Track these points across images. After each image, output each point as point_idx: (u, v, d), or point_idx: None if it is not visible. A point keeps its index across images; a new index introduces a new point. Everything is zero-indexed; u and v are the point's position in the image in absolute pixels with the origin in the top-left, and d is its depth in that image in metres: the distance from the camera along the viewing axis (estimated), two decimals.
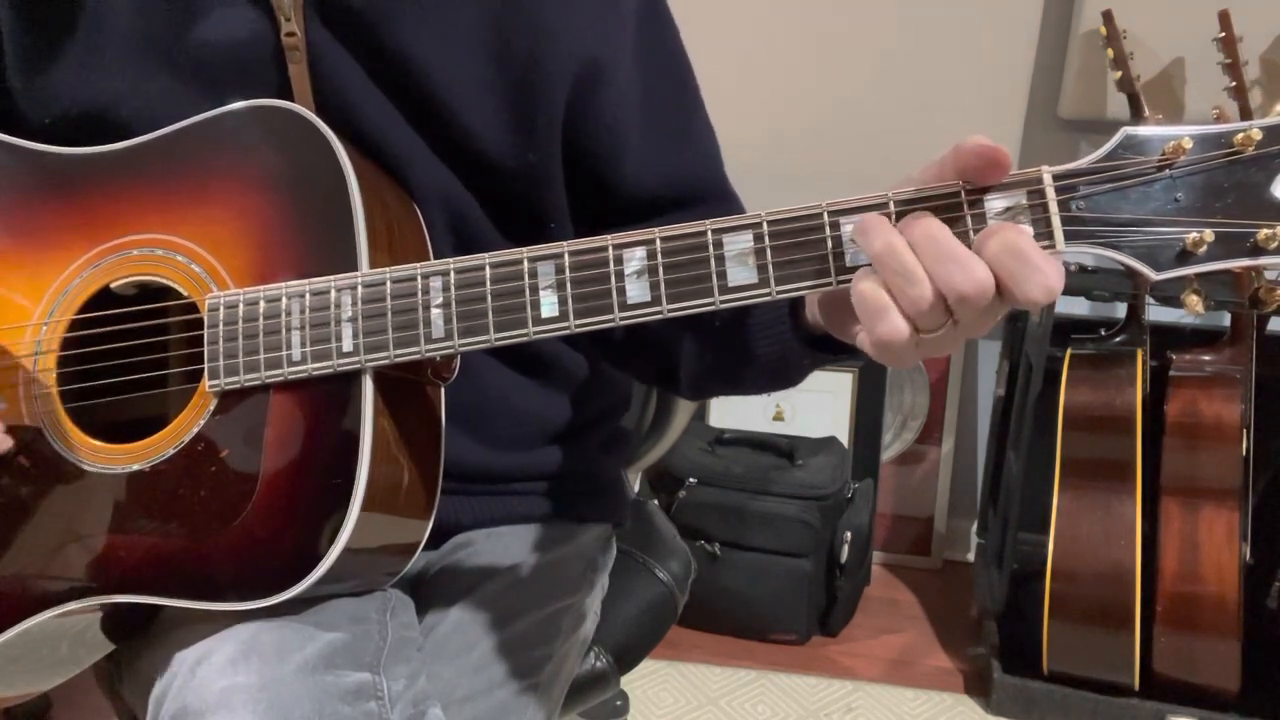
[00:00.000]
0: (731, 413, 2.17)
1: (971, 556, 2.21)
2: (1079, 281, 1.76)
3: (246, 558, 0.67)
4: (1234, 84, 1.52)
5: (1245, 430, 1.61)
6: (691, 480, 1.95)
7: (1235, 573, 1.58)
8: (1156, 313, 1.72)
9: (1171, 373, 1.65)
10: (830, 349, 0.70)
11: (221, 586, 0.67)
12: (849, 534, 1.95)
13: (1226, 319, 1.69)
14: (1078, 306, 1.91)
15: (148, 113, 0.76)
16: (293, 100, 0.74)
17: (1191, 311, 0.58)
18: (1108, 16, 1.63)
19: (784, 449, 2.01)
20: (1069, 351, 1.71)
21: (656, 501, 1.74)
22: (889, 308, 0.56)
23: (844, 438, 2.12)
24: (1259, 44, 1.68)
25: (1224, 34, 1.52)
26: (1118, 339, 1.71)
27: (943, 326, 0.57)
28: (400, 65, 0.77)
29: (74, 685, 0.81)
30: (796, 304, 0.71)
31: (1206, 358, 1.66)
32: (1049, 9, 1.86)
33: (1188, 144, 0.55)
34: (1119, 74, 1.62)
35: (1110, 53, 1.62)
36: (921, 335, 0.57)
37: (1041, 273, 0.53)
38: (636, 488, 1.51)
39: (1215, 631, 1.59)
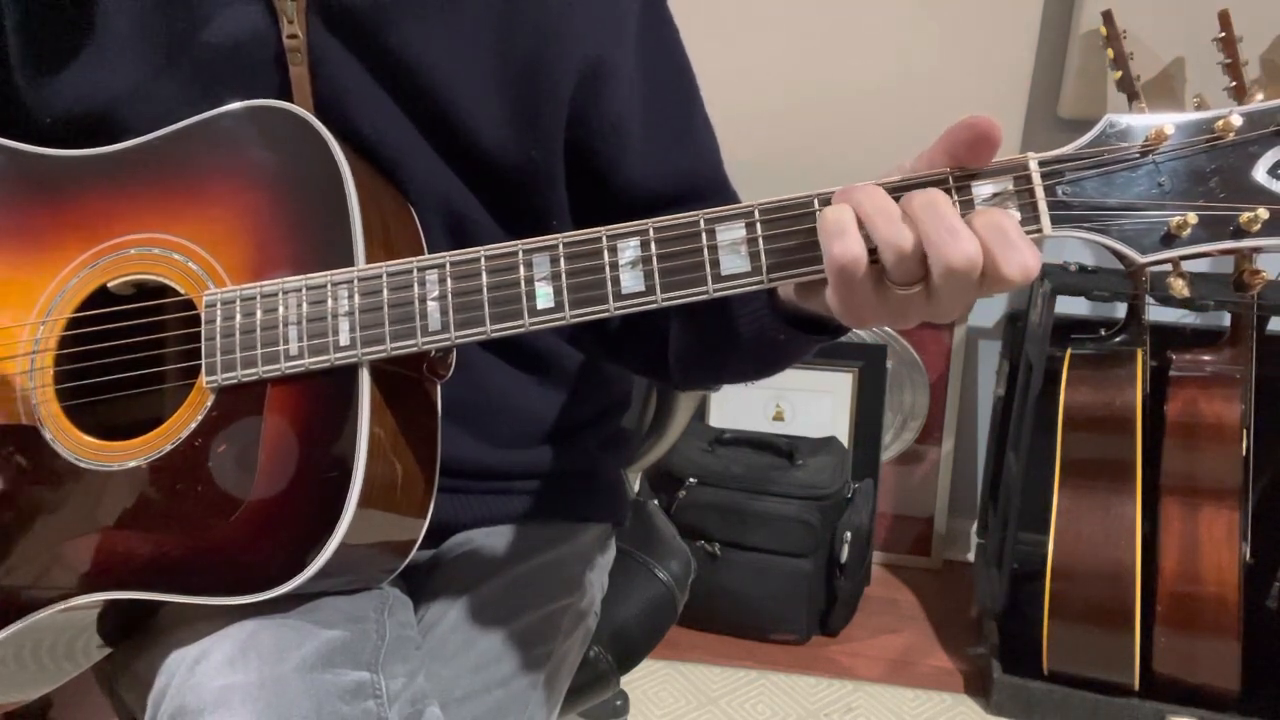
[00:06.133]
0: (731, 413, 2.17)
1: (971, 556, 2.21)
2: (1079, 281, 1.76)
3: (243, 552, 0.67)
4: (1234, 84, 1.51)
5: (1245, 430, 1.61)
6: (691, 480, 1.95)
7: (1235, 573, 1.58)
8: (1156, 313, 1.72)
9: (1171, 373, 1.65)
10: (806, 326, 0.70)
11: (218, 581, 0.67)
12: (849, 534, 1.95)
13: (1226, 319, 1.69)
14: (1078, 306, 1.91)
15: (149, 113, 0.76)
16: (292, 102, 0.74)
17: (1178, 295, 0.59)
18: (1108, 16, 1.62)
19: (784, 449, 2.01)
20: (1069, 351, 1.71)
21: (656, 501, 1.74)
22: (848, 230, 0.56)
23: (844, 438, 2.12)
24: (1259, 44, 1.67)
25: (1224, 34, 1.51)
26: (1118, 339, 1.71)
27: (915, 285, 0.57)
28: (403, 66, 0.77)
29: (74, 685, 0.81)
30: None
31: (1206, 358, 1.66)
32: (1049, 9, 1.86)
33: (1169, 130, 0.56)
34: (1119, 74, 1.62)
35: (1110, 53, 1.62)
36: (892, 285, 0.57)
37: (1020, 252, 0.54)
38: (636, 488, 1.51)
39: (1215, 631, 1.59)
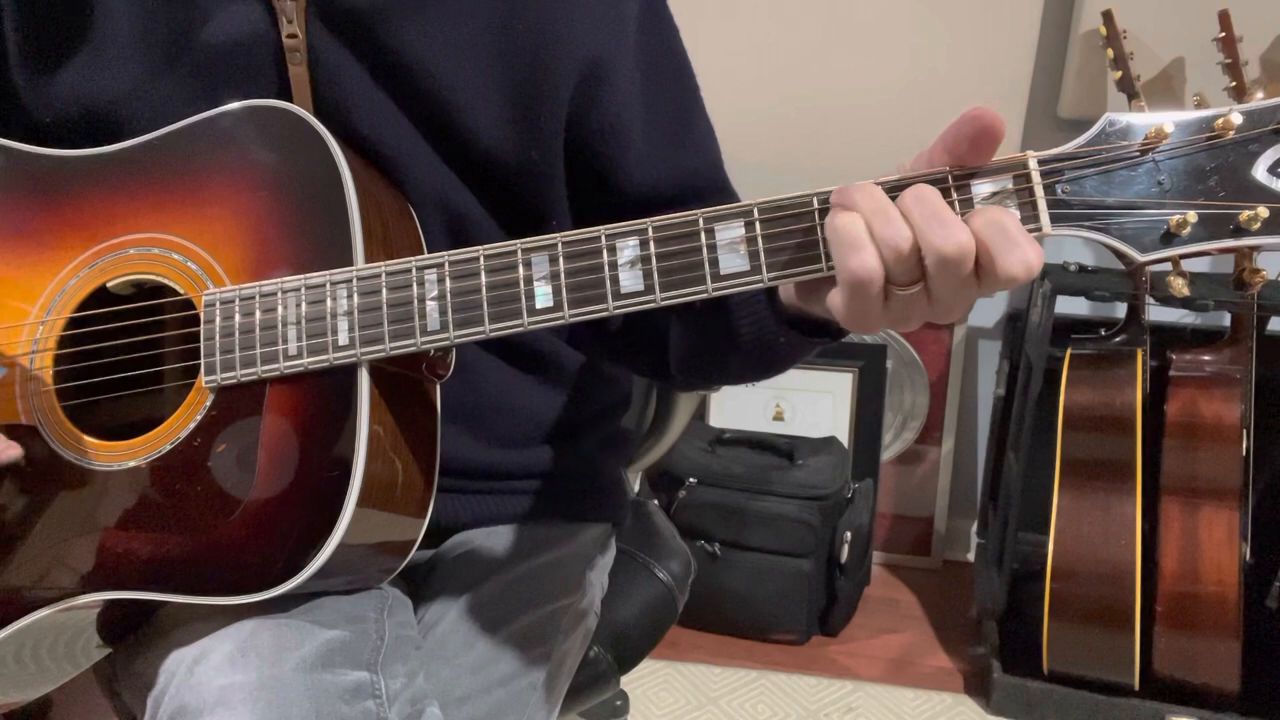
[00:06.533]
0: (731, 413, 2.17)
1: (971, 556, 2.21)
2: (1079, 281, 1.76)
3: (242, 552, 0.67)
4: (1234, 84, 1.51)
5: (1245, 430, 1.61)
6: (691, 480, 1.95)
7: (1235, 573, 1.58)
8: (1156, 313, 1.72)
9: (1171, 373, 1.65)
10: (807, 329, 0.70)
11: (218, 581, 0.67)
12: (849, 534, 1.95)
13: (1226, 319, 1.69)
14: (1078, 306, 1.91)
15: (148, 113, 0.76)
16: (292, 102, 0.74)
17: (1178, 294, 0.59)
18: (1108, 16, 1.62)
19: (784, 449, 2.01)
20: (1069, 351, 1.71)
21: (656, 501, 1.74)
22: (865, 243, 0.56)
23: (844, 438, 2.12)
24: (1259, 44, 1.68)
25: (1224, 34, 1.51)
26: (1118, 339, 1.71)
27: (915, 285, 0.57)
28: (403, 66, 0.77)
29: (74, 685, 0.81)
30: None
31: (1206, 358, 1.66)
32: (1049, 9, 1.86)
33: (1168, 129, 0.56)
34: (1119, 74, 1.62)
35: (1110, 53, 1.62)
36: (892, 287, 0.57)
37: (1021, 249, 0.54)
38: (636, 488, 1.51)
39: (1215, 631, 1.59)
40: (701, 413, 2.17)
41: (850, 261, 0.56)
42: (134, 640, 0.78)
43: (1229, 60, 1.52)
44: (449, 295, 0.66)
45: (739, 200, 0.88)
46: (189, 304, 0.72)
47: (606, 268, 0.64)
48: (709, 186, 0.87)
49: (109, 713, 0.87)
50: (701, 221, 0.62)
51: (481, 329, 0.66)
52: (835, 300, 0.59)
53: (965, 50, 1.89)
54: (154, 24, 0.76)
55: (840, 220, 0.57)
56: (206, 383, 0.70)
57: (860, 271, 0.56)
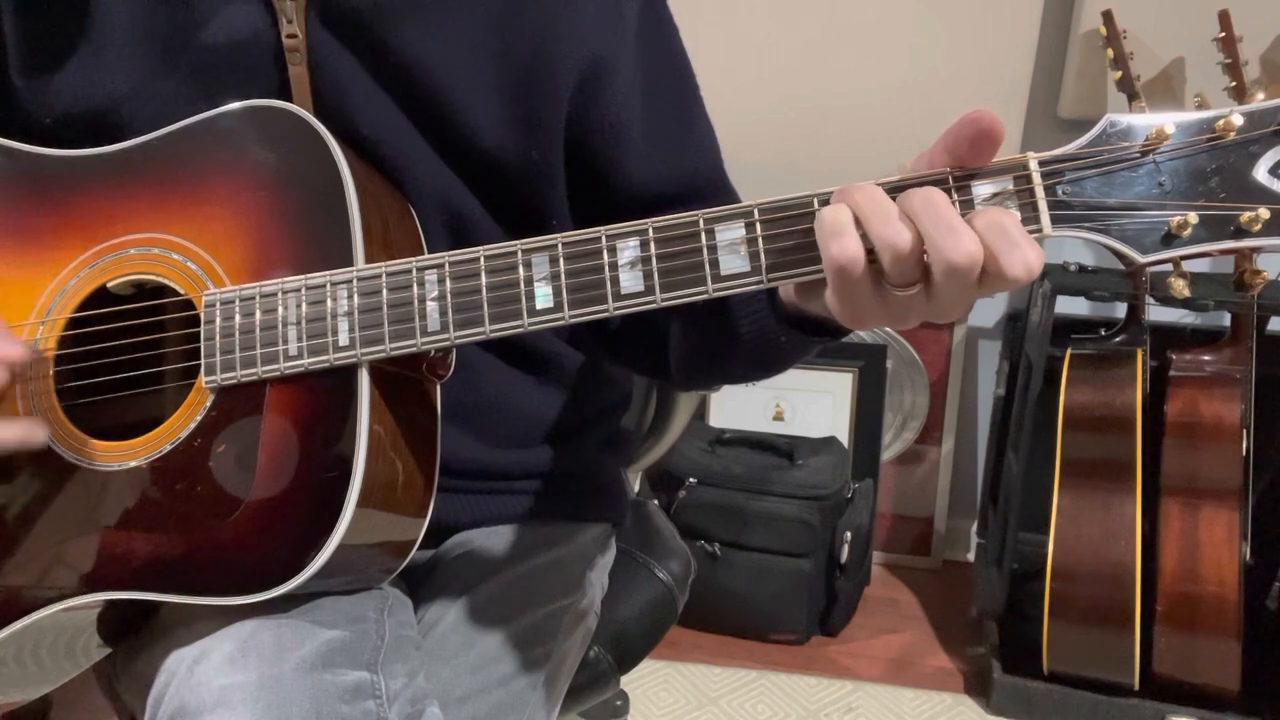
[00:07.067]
0: (731, 413, 2.17)
1: (971, 556, 2.21)
2: (1079, 281, 1.76)
3: (242, 552, 0.67)
4: (1234, 84, 1.51)
5: (1245, 430, 1.61)
6: (691, 480, 1.95)
7: (1235, 573, 1.58)
8: (1156, 313, 1.72)
9: (1171, 373, 1.65)
10: (807, 328, 0.70)
11: (218, 581, 0.67)
12: (849, 534, 1.95)
13: (1226, 319, 1.69)
14: (1078, 306, 1.91)
15: (148, 113, 0.76)
16: (292, 102, 0.74)
17: (1178, 295, 0.59)
18: (1108, 16, 1.62)
19: (784, 449, 2.01)
20: (1069, 351, 1.71)
21: (656, 501, 1.74)
22: (846, 230, 0.56)
23: (844, 438, 2.12)
24: (1259, 44, 1.67)
25: (1224, 34, 1.51)
26: (1118, 339, 1.71)
27: (913, 286, 0.57)
28: (403, 66, 0.77)
29: (74, 685, 0.81)
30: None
31: (1206, 358, 1.66)
32: (1049, 9, 1.86)
33: (1169, 130, 0.56)
34: (1119, 74, 1.62)
35: (1110, 53, 1.62)
36: (890, 286, 0.57)
37: (1022, 250, 0.54)
38: (636, 488, 1.51)
39: (1215, 631, 1.59)
40: (701, 413, 2.17)
41: (831, 248, 0.56)
42: (134, 640, 0.78)
43: (1229, 60, 1.52)
44: (449, 296, 0.66)
45: (739, 200, 0.88)
46: (189, 304, 0.72)
47: (607, 268, 0.64)
48: (709, 186, 0.87)
49: (109, 713, 0.87)
50: (702, 222, 0.62)
51: (482, 329, 0.66)
52: (828, 293, 0.59)
53: (965, 50, 1.89)
54: (153, 24, 0.77)
55: (826, 211, 0.57)
56: (207, 383, 0.70)
57: (840, 257, 0.56)
